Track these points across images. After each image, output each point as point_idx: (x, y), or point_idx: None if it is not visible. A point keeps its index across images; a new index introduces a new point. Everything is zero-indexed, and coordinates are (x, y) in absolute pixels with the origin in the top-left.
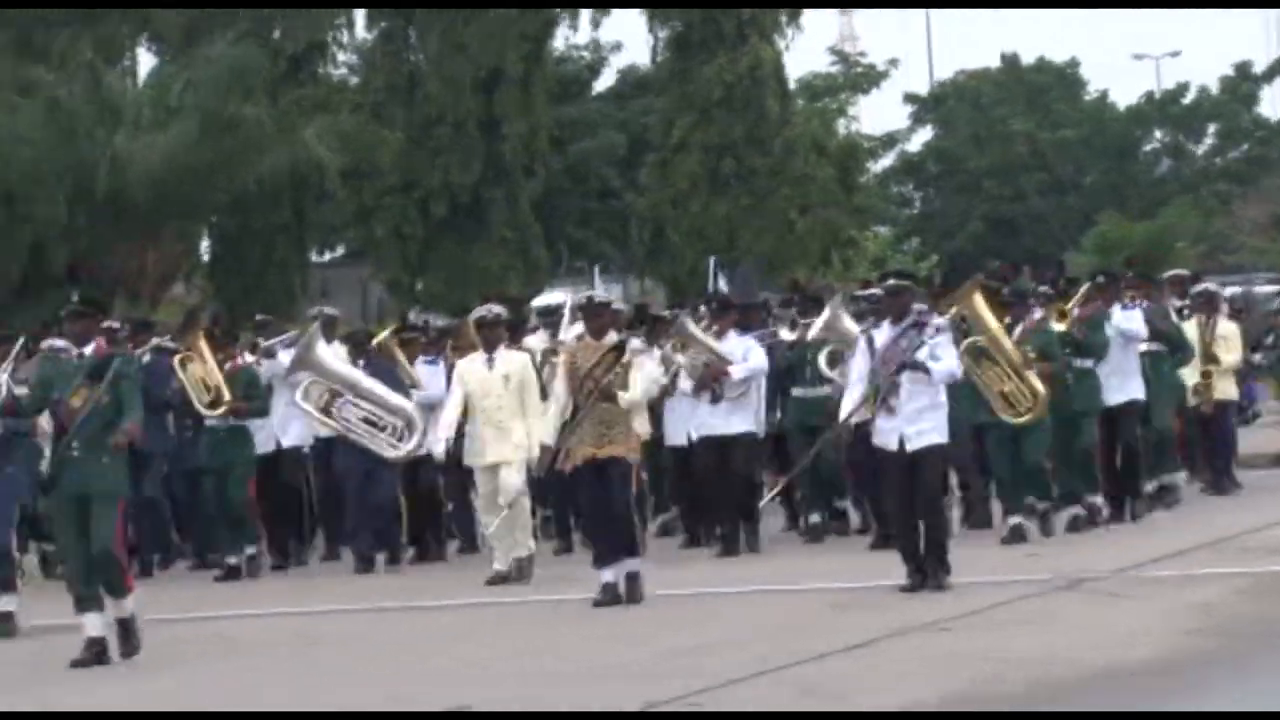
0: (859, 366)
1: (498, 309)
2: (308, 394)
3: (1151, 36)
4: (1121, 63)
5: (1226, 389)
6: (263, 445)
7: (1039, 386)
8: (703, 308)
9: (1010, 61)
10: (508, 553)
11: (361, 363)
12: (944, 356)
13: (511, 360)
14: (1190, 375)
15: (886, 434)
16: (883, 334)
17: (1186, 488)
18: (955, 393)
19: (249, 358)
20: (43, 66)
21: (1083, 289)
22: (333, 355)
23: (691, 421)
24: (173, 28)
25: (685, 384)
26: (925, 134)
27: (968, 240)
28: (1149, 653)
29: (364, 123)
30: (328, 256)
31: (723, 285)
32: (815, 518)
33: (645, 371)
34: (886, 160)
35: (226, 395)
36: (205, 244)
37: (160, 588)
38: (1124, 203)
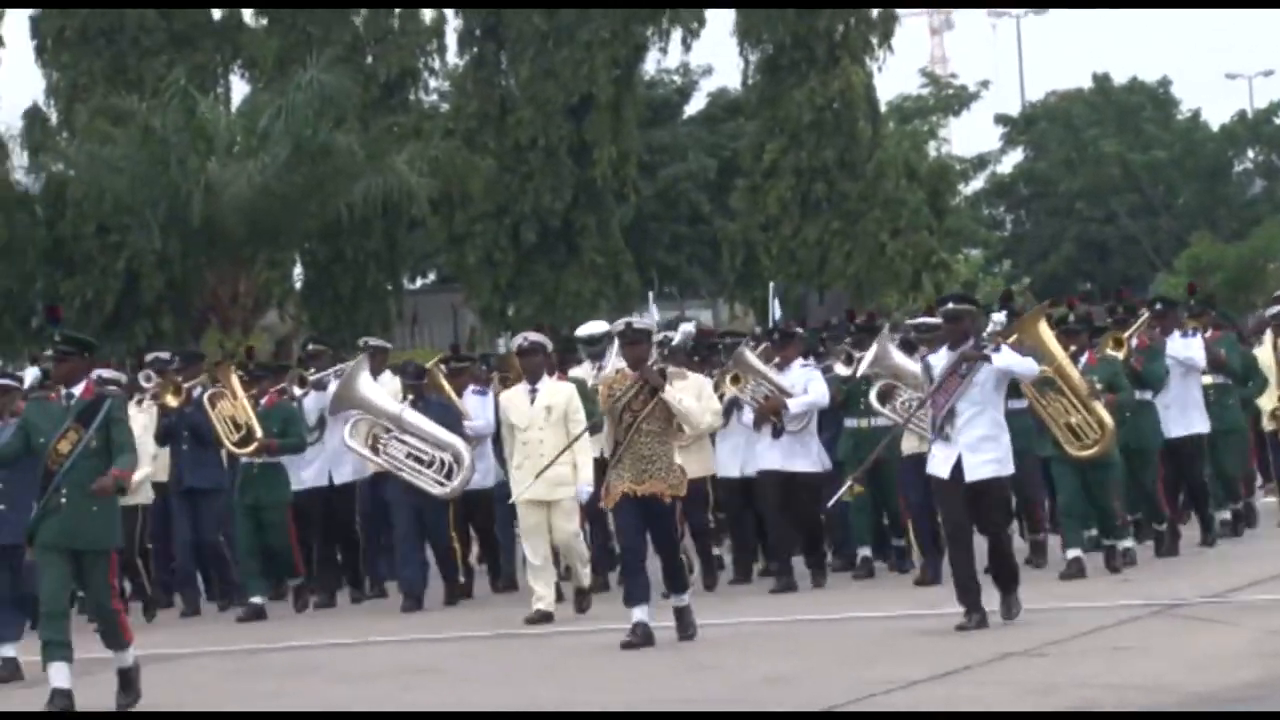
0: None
1: (536, 337)
2: (355, 430)
3: (1244, 55)
4: (1214, 82)
5: None
6: (315, 479)
7: (1106, 418)
8: (756, 337)
9: (1102, 82)
10: (549, 590)
11: (411, 396)
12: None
13: (556, 392)
14: (1268, 401)
15: (940, 462)
16: (940, 359)
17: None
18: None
19: (298, 391)
20: (136, 95)
21: (1142, 317)
22: (376, 389)
23: (750, 455)
24: (266, 54)
25: (746, 416)
26: (1016, 155)
27: (1059, 263)
28: (1247, 677)
29: (455, 149)
30: (419, 283)
31: (777, 312)
32: (865, 551)
33: (688, 401)
34: (977, 182)
35: (259, 432)
36: (297, 271)
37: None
38: (1216, 224)
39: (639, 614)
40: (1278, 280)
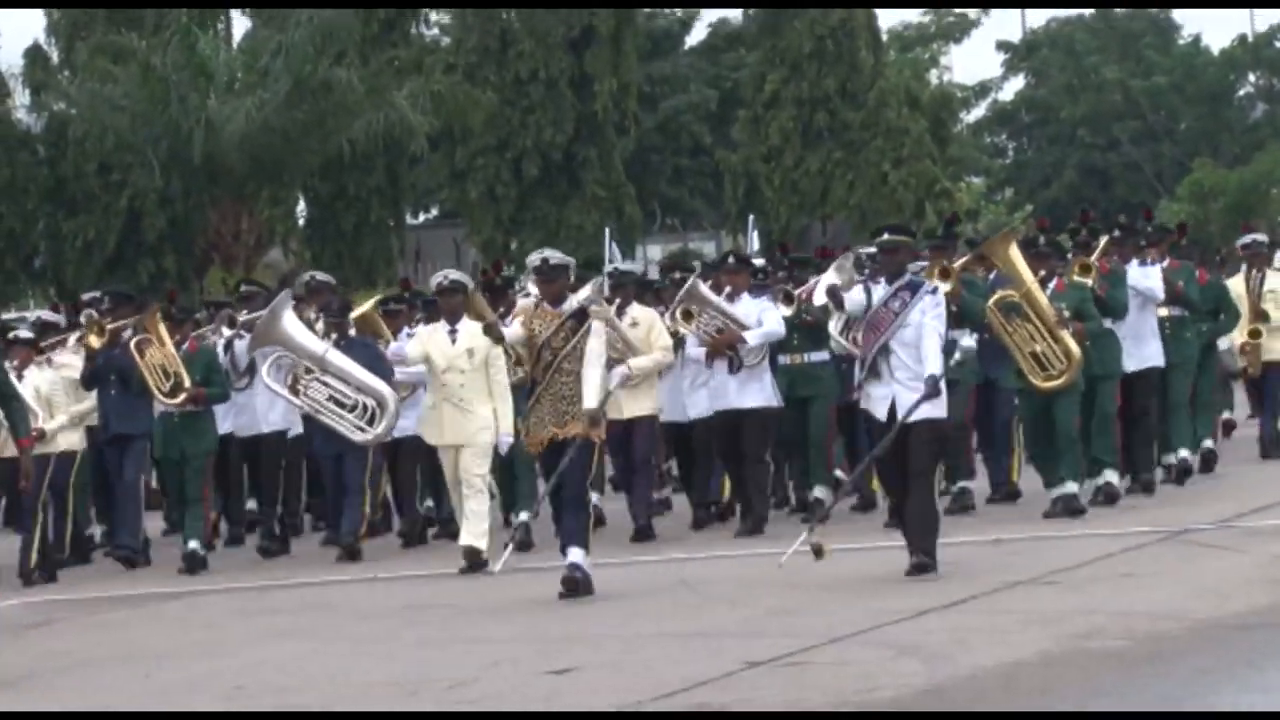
0: (856, 307)
1: (456, 276)
2: (276, 370)
3: None
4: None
5: (1276, 348)
6: (247, 428)
7: (1074, 348)
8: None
9: (1102, 8)
10: (481, 529)
11: (335, 335)
12: (929, 334)
13: (477, 334)
14: (1238, 335)
15: (876, 401)
16: (877, 292)
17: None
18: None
19: (226, 333)
20: (136, 33)
21: (1103, 241)
22: (300, 326)
23: (704, 394)
24: None
25: (696, 351)
26: (1018, 83)
27: (1061, 190)
28: (1254, 603)
29: (456, 83)
30: (422, 219)
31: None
32: (821, 493)
33: (601, 341)
34: (979, 110)
35: (186, 381)
36: (300, 208)
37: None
38: (1218, 149)
39: (575, 555)
40: (1278, 205)
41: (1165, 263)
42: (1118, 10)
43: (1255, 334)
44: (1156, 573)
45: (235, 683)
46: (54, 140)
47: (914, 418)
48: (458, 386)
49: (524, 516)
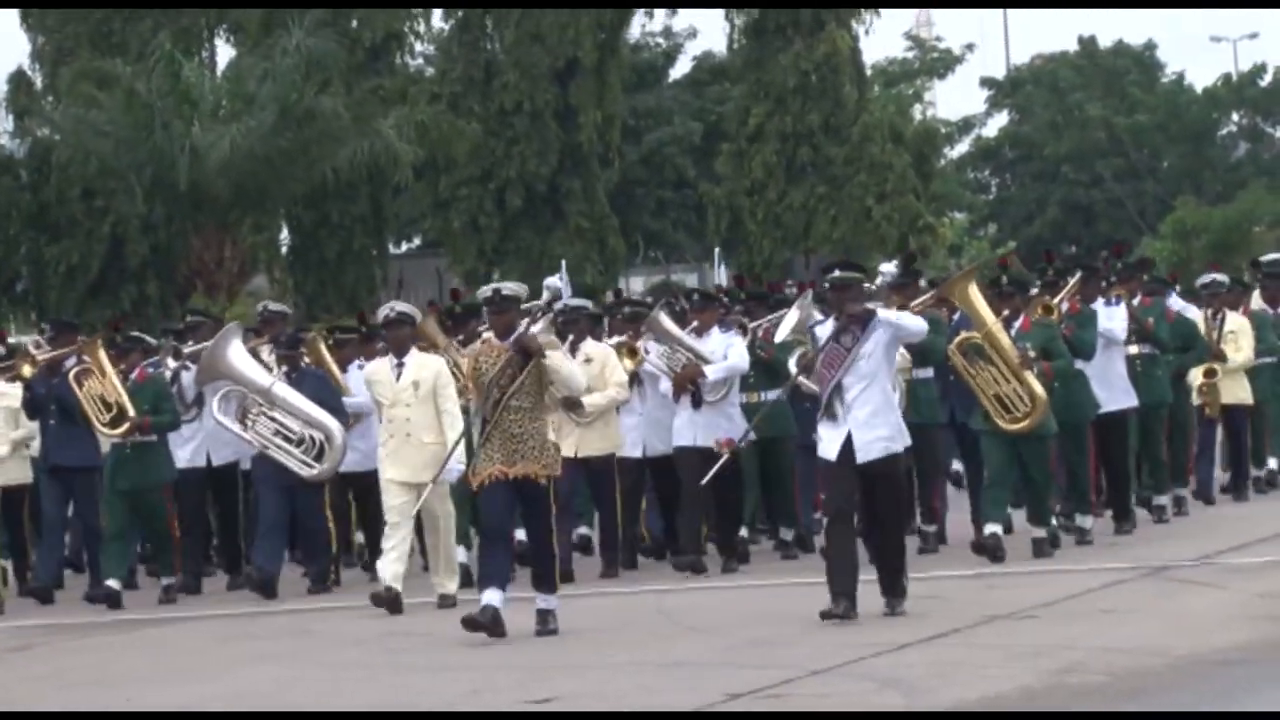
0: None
1: (403, 308)
2: (226, 403)
3: (1229, 18)
4: (1199, 45)
5: (1236, 391)
6: (191, 460)
7: (1038, 389)
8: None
9: (1087, 45)
10: (398, 571)
11: (285, 368)
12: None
13: (424, 365)
14: (1196, 374)
15: (829, 444)
16: (827, 330)
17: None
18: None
19: (172, 364)
20: (120, 59)
21: (1073, 280)
22: (247, 358)
23: (653, 433)
24: (251, 19)
25: (663, 385)
26: (1001, 119)
27: (1044, 226)
28: (1234, 639)
29: (440, 114)
30: (405, 248)
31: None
32: (787, 534)
33: (569, 365)
34: (963, 146)
35: (130, 411)
36: (283, 235)
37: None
38: (1201, 187)
39: (490, 596)
40: (1263, 244)
41: (1136, 299)
42: (1101, 48)
43: (1211, 373)
44: (1137, 609)
45: (216, 709)
46: (37, 165)
47: (874, 455)
48: (404, 420)
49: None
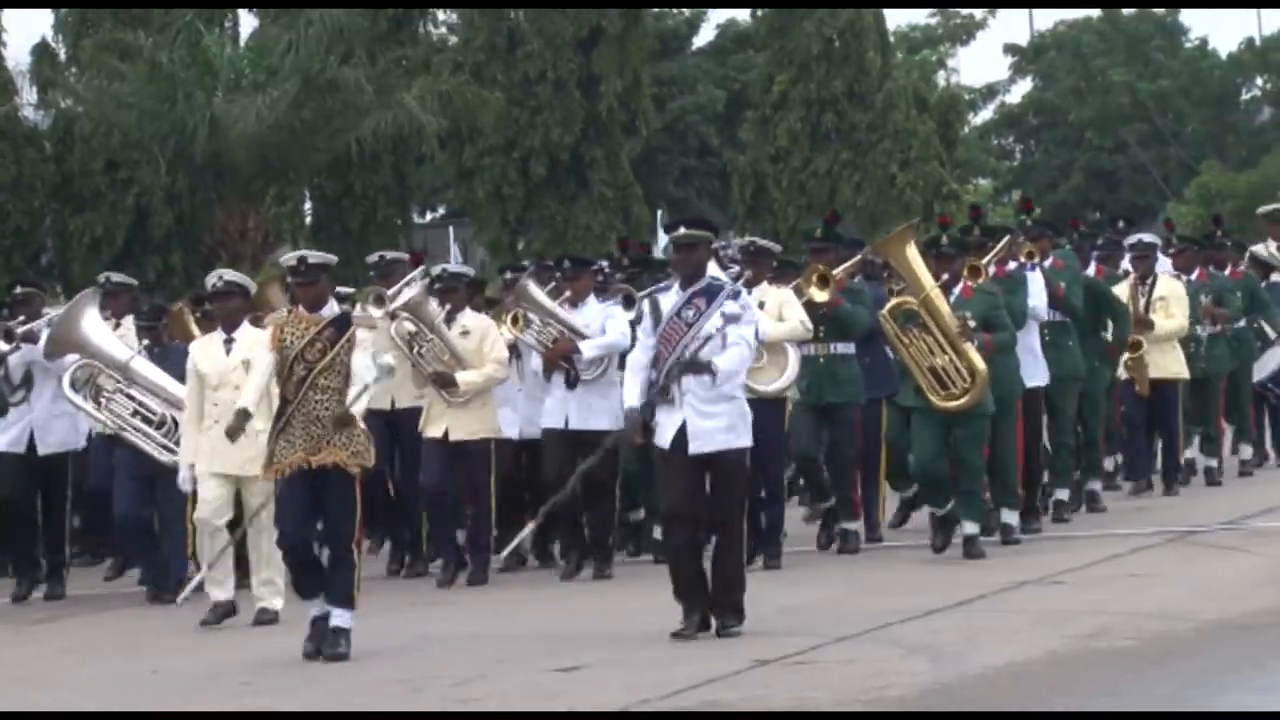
0: (642, 341)
1: (232, 277)
2: (75, 381)
3: None
4: (1222, 9)
5: (1167, 364)
6: (11, 446)
7: (979, 363)
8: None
9: (1110, 10)
10: (227, 582)
11: (147, 341)
12: (732, 346)
13: (257, 342)
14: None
15: (664, 429)
16: (670, 300)
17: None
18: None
19: (4, 347)
20: (142, 31)
21: (1002, 242)
22: (104, 330)
23: (532, 413)
24: None
25: (536, 363)
26: (1025, 85)
27: (1068, 192)
28: (1261, 603)
29: (464, 83)
30: (429, 218)
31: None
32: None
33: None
34: (986, 113)
35: None
36: (307, 206)
37: None
38: (1225, 152)
39: (316, 610)
40: None
41: (1049, 261)
42: (1125, 13)
43: (1136, 345)
44: (1163, 573)
45: (242, 679)
46: (61, 137)
47: (713, 447)
48: (230, 405)
49: None
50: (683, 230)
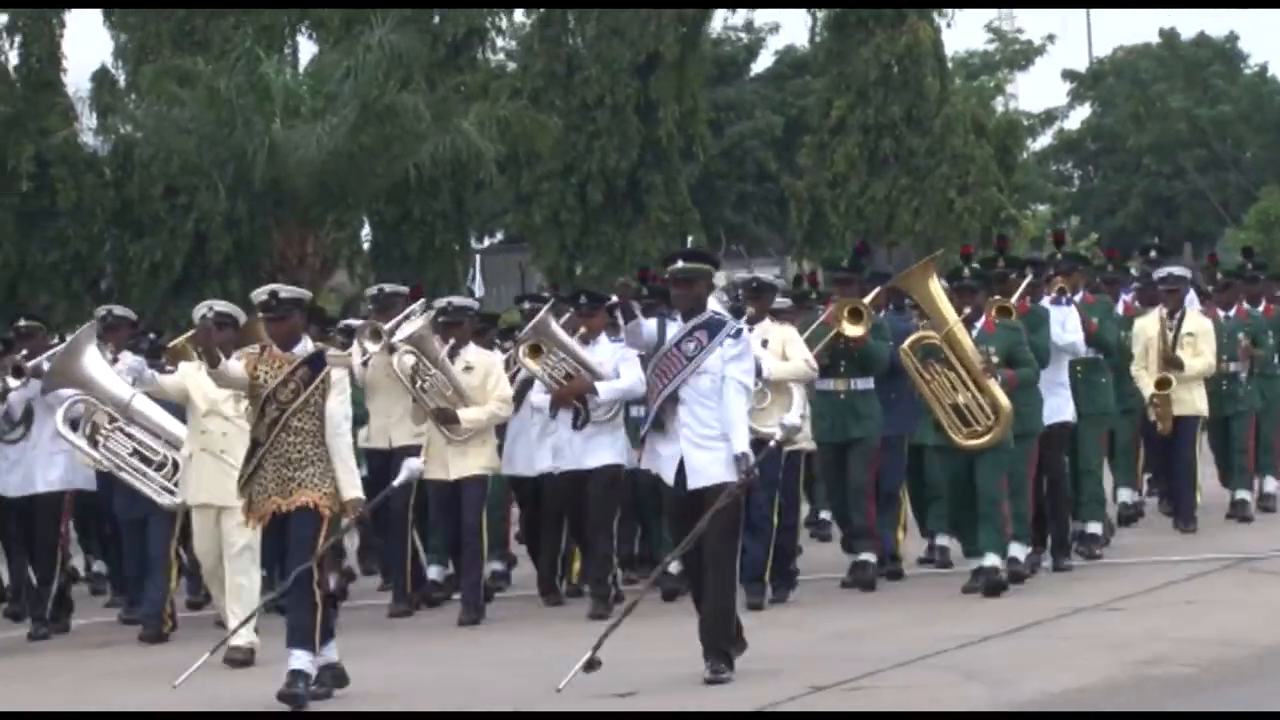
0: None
1: (221, 307)
2: (71, 417)
3: None
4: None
5: (1192, 401)
6: (18, 487)
7: (1003, 400)
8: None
9: (1169, 37)
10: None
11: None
12: (732, 392)
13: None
14: (1148, 383)
15: (664, 461)
16: (670, 331)
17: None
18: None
19: (14, 383)
20: (201, 57)
21: (1028, 279)
22: (103, 366)
23: (546, 449)
24: (333, 16)
25: (540, 399)
26: (1084, 111)
27: (1127, 218)
28: None
29: (522, 109)
30: (487, 243)
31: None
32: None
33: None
34: (1045, 138)
35: None
36: (365, 231)
37: None
38: None
39: (297, 660)
40: None
41: (1080, 296)
42: (1184, 39)
43: (1164, 384)
44: (1221, 600)
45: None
46: (120, 163)
47: (708, 482)
48: (219, 436)
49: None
50: (681, 264)
